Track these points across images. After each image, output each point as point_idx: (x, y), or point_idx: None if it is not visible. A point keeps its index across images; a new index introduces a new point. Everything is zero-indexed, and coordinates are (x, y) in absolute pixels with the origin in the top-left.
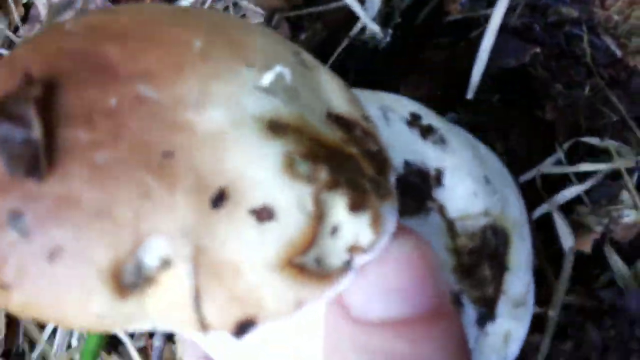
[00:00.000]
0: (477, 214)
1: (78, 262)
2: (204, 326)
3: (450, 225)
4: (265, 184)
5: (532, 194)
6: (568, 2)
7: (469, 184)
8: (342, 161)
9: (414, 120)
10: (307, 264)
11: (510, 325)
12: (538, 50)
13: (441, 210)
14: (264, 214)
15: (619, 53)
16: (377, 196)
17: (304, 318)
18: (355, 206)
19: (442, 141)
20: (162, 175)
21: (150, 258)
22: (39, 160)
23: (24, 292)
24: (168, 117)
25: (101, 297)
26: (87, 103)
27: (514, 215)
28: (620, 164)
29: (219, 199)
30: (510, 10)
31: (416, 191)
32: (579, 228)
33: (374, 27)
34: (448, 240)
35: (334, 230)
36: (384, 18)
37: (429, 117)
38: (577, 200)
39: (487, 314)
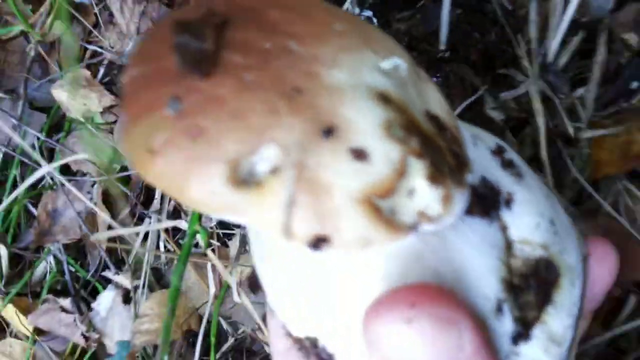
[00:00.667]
0: (536, 244)
1: (212, 146)
2: (288, 232)
3: (509, 244)
4: (366, 132)
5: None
6: None
7: (534, 216)
8: (429, 144)
9: (498, 151)
10: (382, 209)
11: (541, 357)
12: (460, 11)
13: (504, 228)
14: (359, 154)
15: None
16: (453, 181)
17: (362, 261)
18: (433, 179)
19: (519, 176)
20: (289, 102)
21: (264, 163)
22: (205, 64)
23: (165, 159)
24: (304, 66)
25: (219, 180)
26: (249, 40)
27: (570, 262)
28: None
29: (329, 132)
30: None
31: (486, 201)
32: None
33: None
34: (503, 255)
35: (410, 192)
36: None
37: (512, 155)
38: None
39: (522, 334)
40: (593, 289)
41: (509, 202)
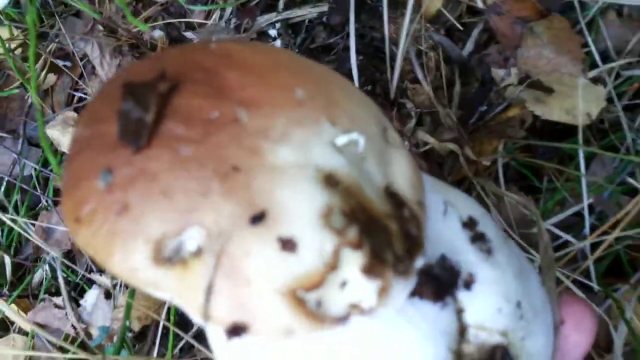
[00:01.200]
0: (494, 330)
1: (136, 223)
2: (206, 315)
3: (462, 328)
4: (299, 220)
5: None
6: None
7: (497, 299)
8: (376, 230)
9: (470, 223)
10: (307, 301)
11: None
12: (362, 57)
13: (459, 311)
14: (287, 244)
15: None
16: (395, 271)
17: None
18: (370, 271)
19: (488, 252)
20: (224, 182)
21: (189, 243)
22: (141, 137)
23: (89, 229)
24: (249, 141)
25: (141, 258)
26: (195, 107)
27: (533, 349)
28: None
29: (258, 218)
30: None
31: (441, 284)
32: None
33: None
34: (453, 341)
35: (343, 284)
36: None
37: (488, 227)
38: None
39: None
40: (572, 355)
41: (469, 284)
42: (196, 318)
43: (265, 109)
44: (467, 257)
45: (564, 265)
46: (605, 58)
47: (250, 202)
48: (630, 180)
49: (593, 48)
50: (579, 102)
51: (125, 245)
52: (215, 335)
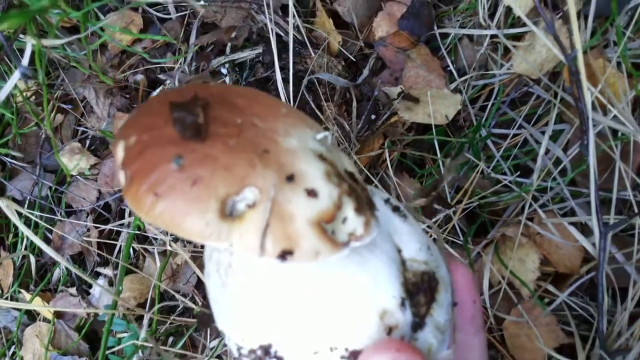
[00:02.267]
0: (421, 261)
1: (207, 189)
2: (262, 249)
3: (403, 261)
4: (315, 178)
5: None
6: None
7: (417, 242)
8: (353, 188)
9: (387, 201)
10: (327, 230)
11: (433, 342)
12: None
13: (399, 251)
14: (311, 193)
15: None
16: (370, 212)
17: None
18: (358, 210)
19: (404, 217)
20: (261, 159)
21: (245, 201)
22: (199, 132)
23: (167, 201)
24: (267, 135)
25: (211, 214)
26: (225, 117)
27: (442, 274)
28: None
29: (290, 178)
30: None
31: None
32: None
33: None
34: (401, 268)
35: (344, 220)
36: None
37: (396, 203)
38: None
39: (418, 323)
40: (462, 297)
41: (399, 232)
42: (252, 254)
43: (269, 119)
44: (394, 220)
45: (438, 227)
46: (463, 73)
47: (283, 169)
48: (471, 157)
49: (452, 66)
50: (439, 107)
51: (201, 205)
52: (244, 270)
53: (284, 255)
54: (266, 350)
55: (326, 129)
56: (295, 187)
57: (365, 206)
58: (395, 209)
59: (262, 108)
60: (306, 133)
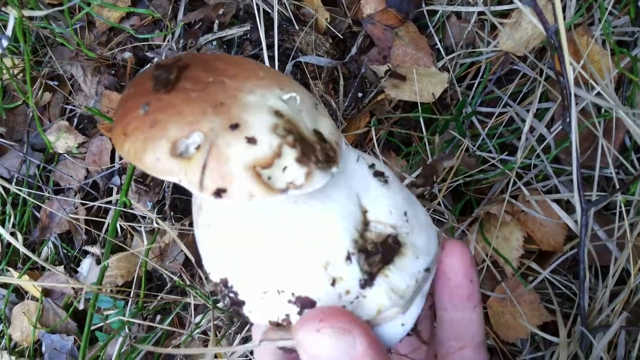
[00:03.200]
0: (387, 224)
1: (161, 130)
2: (201, 186)
3: (367, 222)
4: (258, 128)
5: None
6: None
7: (389, 207)
8: (306, 143)
9: (372, 166)
10: (262, 175)
11: (385, 303)
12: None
13: (364, 211)
14: (252, 140)
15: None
16: (316, 165)
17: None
18: (300, 161)
19: (385, 182)
20: (215, 109)
21: (193, 142)
22: (168, 85)
23: (132, 138)
24: (230, 92)
25: (164, 151)
26: (199, 76)
27: (416, 242)
28: None
29: (234, 126)
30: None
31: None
32: None
33: None
34: (359, 226)
35: (284, 168)
36: None
37: (384, 169)
38: None
39: (367, 281)
40: (458, 276)
41: (373, 197)
42: (194, 190)
43: (239, 78)
44: (371, 183)
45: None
46: (451, 52)
47: (230, 118)
48: (457, 135)
49: (439, 44)
50: (426, 85)
51: (154, 144)
52: (203, 205)
53: (219, 192)
54: (225, 283)
55: None
56: (237, 134)
57: (313, 159)
58: (378, 174)
59: (238, 70)
60: (272, 92)
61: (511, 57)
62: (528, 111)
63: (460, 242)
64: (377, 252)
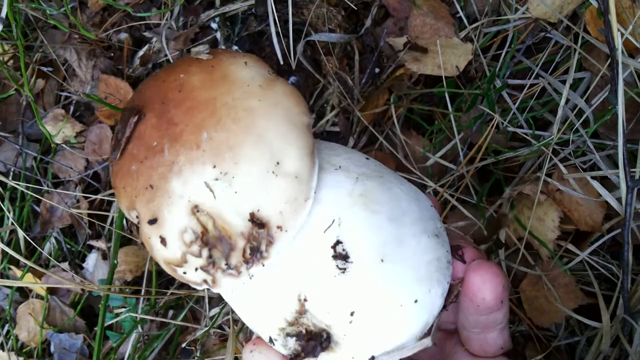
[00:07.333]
0: (320, 321)
1: (118, 198)
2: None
3: (301, 310)
4: (169, 230)
5: None
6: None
7: (329, 304)
8: (220, 245)
9: (337, 244)
10: (177, 271)
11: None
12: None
13: (304, 299)
14: (163, 241)
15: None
16: (223, 273)
17: None
18: (204, 270)
19: (343, 271)
20: (144, 193)
21: (136, 216)
22: (118, 150)
23: (117, 179)
24: (161, 170)
25: (124, 207)
26: (145, 135)
27: (361, 347)
28: None
29: (152, 221)
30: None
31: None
32: None
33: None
34: (290, 315)
35: (196, 269)
36: None
37: (357, 239)
38: None
39: None
40: (486, 300)
41: (318, 287)
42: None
43: (177, 146)
44: (322, 271)
45: (448, 187)
46: (474, 20)
47: (151, 210)
48: (487, 110)
49: (461, 13)
50: (449, 58)
51: (120, 203)
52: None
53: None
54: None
55: (326, 85)
56: (154, 231)
57: (222, 266)
58: (340, 257)
59: (186, 129)
60: (202, 174)
61: (542, 24)
62: (562, 82)
63: (492, 266)
64: (307, 339)
